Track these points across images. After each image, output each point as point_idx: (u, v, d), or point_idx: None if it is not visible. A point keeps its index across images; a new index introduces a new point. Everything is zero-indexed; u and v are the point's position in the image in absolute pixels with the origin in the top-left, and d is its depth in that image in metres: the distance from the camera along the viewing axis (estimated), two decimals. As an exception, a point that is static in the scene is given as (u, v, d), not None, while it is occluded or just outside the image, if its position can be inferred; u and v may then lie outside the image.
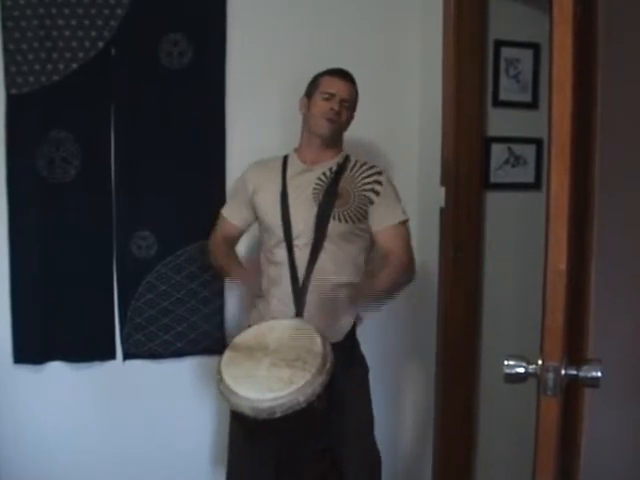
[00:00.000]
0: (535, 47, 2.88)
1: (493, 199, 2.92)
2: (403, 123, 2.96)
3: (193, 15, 2.64)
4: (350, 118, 2.39)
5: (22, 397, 2.64)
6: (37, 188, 2.55)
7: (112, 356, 2.71)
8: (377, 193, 2.32)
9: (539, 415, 1.33)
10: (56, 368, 2.66)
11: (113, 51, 2.57)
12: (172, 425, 2.77)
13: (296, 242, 2.29)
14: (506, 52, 2.87)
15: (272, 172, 2.40)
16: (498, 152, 2.90)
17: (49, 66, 2.50)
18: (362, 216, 2.30)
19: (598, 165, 1.73)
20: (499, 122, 2.89)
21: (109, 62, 2.57)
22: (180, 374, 2.77)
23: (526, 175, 2.94)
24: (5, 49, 2.46)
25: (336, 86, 2.33)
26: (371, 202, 2.31)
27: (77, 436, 2.69)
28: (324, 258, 2.28)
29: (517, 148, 2.92)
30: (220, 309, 2.76)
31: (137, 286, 2.68)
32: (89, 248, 2.63)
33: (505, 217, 2.93)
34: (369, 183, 2.33)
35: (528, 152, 2.93)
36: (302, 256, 2.28)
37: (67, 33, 2.50)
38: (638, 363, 1.86)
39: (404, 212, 2.36)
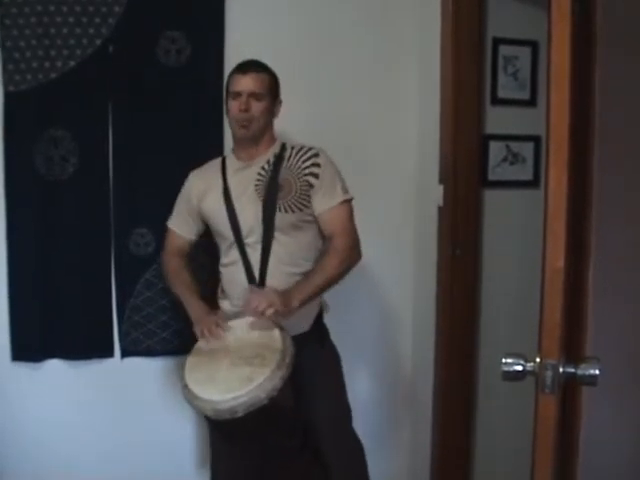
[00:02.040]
0: (533, 45, 2.87)
1: (491, 197, 2.91)
2: (401, 121, 2.96)
3: (191, 12, 2.63)
4: (269, 106, 2.32)
5: (20, 395, 2.64)
6: (35, 185, 2.55)
7: (110, 354, 2.71)
8: (316, 176, 2.29)
9: (537, 412, 1.33)
10: (54, 366, 2.66)
11: (111, 48, 2.56)
12: (170, 422, 2.77)
13: (247, 241, 2.28)
14: (504, 50, 2.86)
15: (212, 175, 2.39)
16: (496, 150, 2.90)
17: (47, 63, 2.50)
18: (307, 202, 2.28)
19: (596, 162, 1.73)
20: (497, 120, 2.89)
21: (107, 60, 2.56)
22: (178, 372, 2.76)
23: (524, 173, 2.94)
24: (3, 46, 2.46)
25: (239, 83, 2.29)
26: (312, 186, 2.28)
27: (75, 433, 2.70)
28: (277, 251, 2.26)
29: (515, 146, 2.92)
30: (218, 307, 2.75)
31: (135, 284, 2.68)
32: (87, 245, 2.63)
33: (503, 215, 2.93)
34: (307, 167, 2.30)
35: (526, 150, 2.93)
36: (255, 253, 2.27)
37: (65, 30, 2.50)
38: (636, 360, 1.87)
39: (345, 191, 2.32)
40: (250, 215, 2.27)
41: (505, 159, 2.92)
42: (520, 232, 2.88)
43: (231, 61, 2.68)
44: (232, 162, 2.39)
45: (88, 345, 2.69)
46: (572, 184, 1.35)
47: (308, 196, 2.28)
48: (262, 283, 2.26)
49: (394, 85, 2.94)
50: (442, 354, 2.88)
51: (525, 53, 2.88)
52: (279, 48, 2.74)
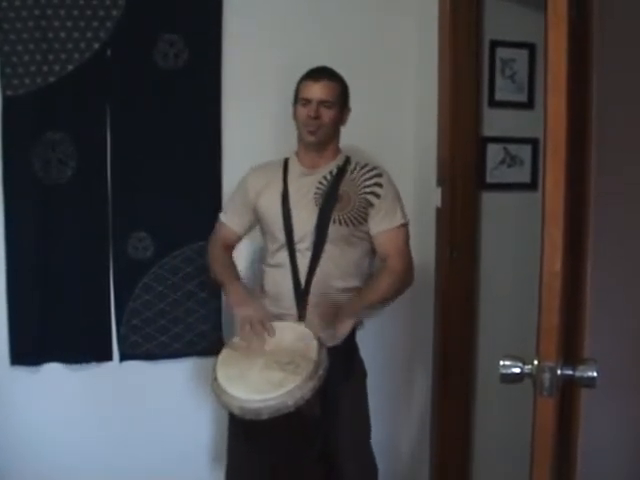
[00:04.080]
0: (531, 47, 2.88)
1: (489, 199, 2.92)
2: (399, 123, 2.96)
3: (189, 16, 2.64)
4: (338, 114, 2.33)
5: (19, 398, 2.63)
6: (33, 189, 2.54)
7: (109, 357, 2.71)
8: (378, 196, 2.30)
9: (535, 415, 1.33)
10: (53, 369, 2.66)
11: (109, 52, 2.57)
12: (169, 426, 2.77)
13: (298, 246, 2.29)
14: (502, 52, 2.87)
15: (273, 176, 2.39)
16: (494, 152, 2.90)
17: (45, 67, 2.49)
18: (362, 219, 2.29)
19: (594, 165, 1.73)
20: (495, 122, 2.89)
21: (105, 63, 2.56)
22: (177, 375, 2.77)
23: (522, 175, 2.95)
24: (1, 51, 2.46)
25: (310, 90, 2.29)
26: (371, 205, 2.29)
27: (74, 437, 2.69)
28: (326, 261, 2.27)
29: (513, 148, 2.92)
30: (217, 310, 2.76)
31: (134, 287, 2.68)
32: (85, 249, 2.63)
33: (501, 217, 2.94)
34: (369, 186, 2.31)
35: (524, 152, 2.93)
36: (304, 259, 2.28)
37: (63, 34, 2.50)
38: (635, 362, 1.86)
39: (403, 215, 2.33)
40: (305, 221, 2.28)
41: (503, 162, 2.92)
42: (518, 234, 2.88)
43: (229, 64, 2.69)
44: (295, 166, 2.39)
45: (87, 349, 2.68)
46: (569, 186, 1.35)
47: (365, 213, 2.29)
48: (307, 290, 2.27)
49: (392, 87, 2.94)
50: (440, 356, 2.88)
51: (522, 56, 2.89)
52: (277, 51, 2.74)
